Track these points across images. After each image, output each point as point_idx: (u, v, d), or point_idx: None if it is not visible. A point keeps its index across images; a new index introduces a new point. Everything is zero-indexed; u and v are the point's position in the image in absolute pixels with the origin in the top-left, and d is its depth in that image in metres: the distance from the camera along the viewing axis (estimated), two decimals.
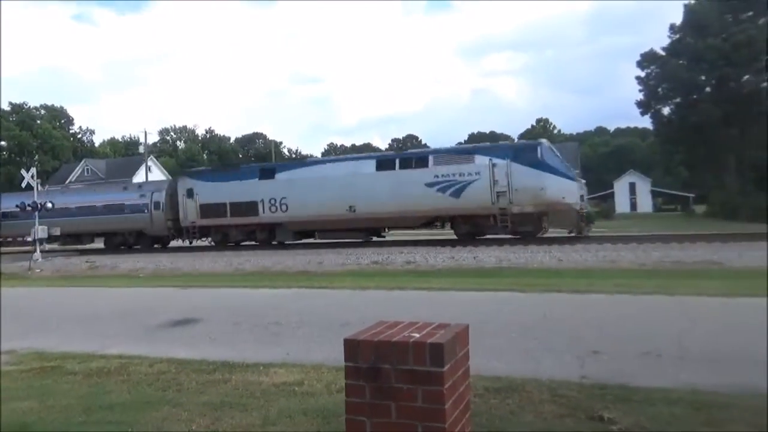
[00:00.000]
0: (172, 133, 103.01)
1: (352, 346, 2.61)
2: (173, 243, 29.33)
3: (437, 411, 2.44)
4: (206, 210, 26.10)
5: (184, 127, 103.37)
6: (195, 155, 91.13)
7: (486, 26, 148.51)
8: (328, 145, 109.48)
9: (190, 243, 27.57)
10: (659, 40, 65.54)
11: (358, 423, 2.55)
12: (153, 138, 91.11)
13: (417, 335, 2.63)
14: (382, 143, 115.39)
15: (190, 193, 26.53)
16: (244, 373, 5.86)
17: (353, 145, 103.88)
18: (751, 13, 50.37)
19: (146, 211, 27.97)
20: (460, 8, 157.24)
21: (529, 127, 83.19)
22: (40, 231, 25.53)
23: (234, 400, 5.00)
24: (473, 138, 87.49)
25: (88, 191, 33.45)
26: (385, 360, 2.53)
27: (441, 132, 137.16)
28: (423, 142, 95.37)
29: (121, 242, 29.47)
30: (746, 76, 48.81)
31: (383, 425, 2.50)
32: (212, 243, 26.98)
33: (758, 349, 6.06)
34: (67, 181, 62.06)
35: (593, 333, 7.05)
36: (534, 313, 8.55)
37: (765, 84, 43.88)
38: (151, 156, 68.43)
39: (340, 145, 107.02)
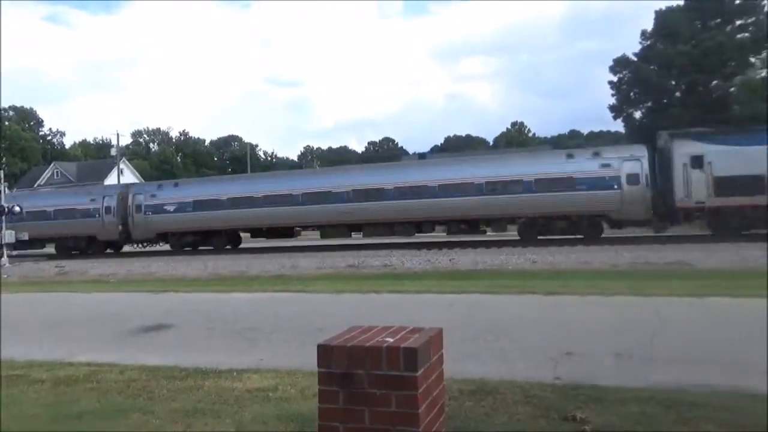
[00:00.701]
0: (145, 136, 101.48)
1: (325, 352, 2.59)
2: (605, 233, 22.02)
3: (411, 415, 2.43)
4: (726, 185, 19.18)
5: (158, 130, 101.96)
6: (169, 158, 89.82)
7: (460, 30, 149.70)
8: (304, 147, 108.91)
9: (657, 230, 21.33)
10: (631, 46, 67.18)
11: (332, 428, 2.52)
12: (126, 140, 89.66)
13: (391, 340, 2.61)
14: (358, 146, 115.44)
15: (697, 162, 19.76)
16: (217, 380, 5.78)
17: (330, 148, 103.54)
18: (719, 20, 51.72)
19: (616, 186, 20.72)
20: (436, 12, 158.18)
21: (504, 130, 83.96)
22: (7, 236, 24.88)
23: (206, 406, 4.92)
24: (450, 141, 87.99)
25: (490, 160, 24.98)
26: (359, 365, 2.51)
27: (417, 135, 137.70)
28: (400, 145, 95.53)
29: (565, 229, 22.11)
30: (715, 82, 50.03)
31: (357, 431, 2.48)
32: (713, 232, 20.38)
33: (726, 349, 6.20)
34: (36, 185, 60.64)
35: (567, 334, 7.13)
36: (509, 315, 8.61)
37: (732, 89, 44.98)
38: (124, 158, 67.28)
39: (317, 148, 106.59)
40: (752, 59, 44.94)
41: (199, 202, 26.71)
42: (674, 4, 53.96)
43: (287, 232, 27.59)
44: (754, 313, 8.16)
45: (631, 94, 55.31)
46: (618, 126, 61.58)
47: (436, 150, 76.42)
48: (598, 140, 68.05)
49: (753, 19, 50.83)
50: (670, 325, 7.58)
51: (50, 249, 30.74)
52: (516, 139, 75.16)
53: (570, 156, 22.48)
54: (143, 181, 58.89)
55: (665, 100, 53.47)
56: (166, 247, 28.47)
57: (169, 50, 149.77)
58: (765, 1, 50.31)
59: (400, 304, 10.19)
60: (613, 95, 56.66)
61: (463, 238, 23.99)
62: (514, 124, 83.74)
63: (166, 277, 18.38)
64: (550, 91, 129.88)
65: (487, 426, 4.24)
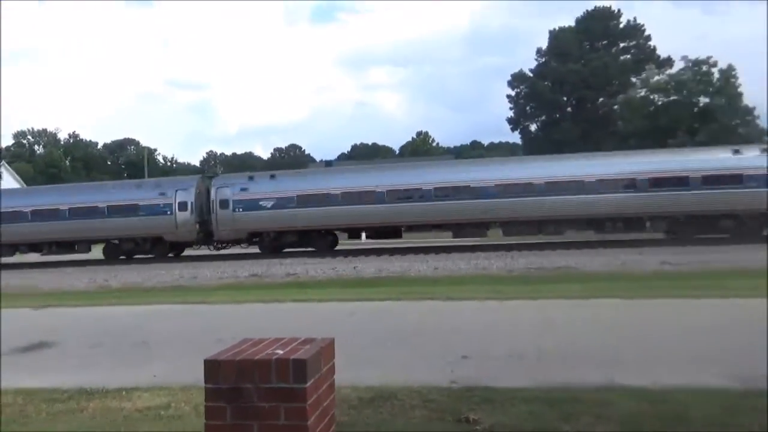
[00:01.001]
0: (29, 137, 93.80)
1: (212, 367, 2.53)
2: None
3: (300, 427, 2.42)
4: None
5: (44, 131, 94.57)
6: (56, 161, 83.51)
7: (367, 39, 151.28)
8: (207, 153, 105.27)
9: None
10: (528, 62, 71.13)
11: None
12: (6, 141, 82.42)
13: (281, 352, 2.60)
14: (263, 152, 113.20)
15: None
16: (104, 400, 5.44)
17: (234, 154, 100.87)
18: (605, 42, 56.14)
19: None
20: (344, 19, 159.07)
21: (410, 139, 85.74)
22: None
23: (91, 429, 4.62)
24: (356, 149, 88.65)
25: None
26: (247, 379, 2.47)
27: (324, 142, 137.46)
28: (306, 152, 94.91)
29: (726, 228, 20.96)
30: (601, 99, 54.11)
31: None
32: None
33: (607, 346, 6.70)
34: None
35: (464, 338, 7.38)
36: (410, 321, 8.78)
37: (616, 107, 48.77)
38: (3, 162, 61.78)
39: (220, 154, 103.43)
40: (633, 79, 48.98)
41: (304, 197, 23.35)
42: (566, 25, 58.00)
43: (394, 232, 24.83)
44: (634, 313, 8.89)
45: (527, 108, 58.66)
46: (516, 138, 64.95)
47: (343, 158, 76.67)
48: (497, 151, 71.32)
49: (635, 42, 55.69)
50: (558, 325, 8.08)
51: (97, 252, 26.25)
52: (421, 148, 77.03)
53: (737, 151, 21.70)
54: (26, 186, 54.37)
55: (557, 115, 57.19)
56: (250, 249, 25.06)
57: (60, 46, 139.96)
58: (645, 27, 55.39)
59: (302, 313, 10.10)
60: (511, 108, 59.91)
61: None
62: (419, 133, 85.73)
63: (50, 290, 17.04)
64: (454, 102, 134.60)
65: (383, 431, 4.31)
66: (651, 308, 9.10)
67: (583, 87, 53.83)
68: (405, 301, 10.54)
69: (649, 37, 55.23)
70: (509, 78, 59.48)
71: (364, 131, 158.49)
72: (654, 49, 54.18)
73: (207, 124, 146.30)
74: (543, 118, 58.65)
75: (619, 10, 56.43)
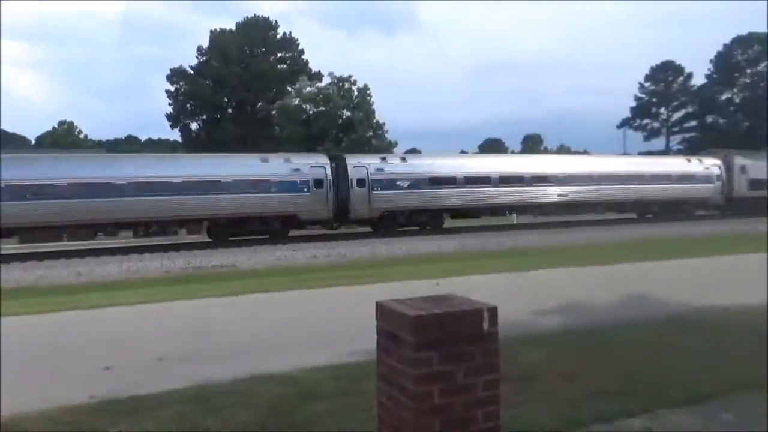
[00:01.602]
0: None
1: None
2: None
3: None
4: None
5: None
6: None
7: None
8: None
9: None
10: (188, 59, 69.00)
11: None
12: None
13: None
14: None
15: None
16: None
17: None
18: (264, 50, 58.88)
19: None
20: None
21: (50, 129, 74.51)
22: None
23: None
24: None
25: None
26: None
27: None
28: None
29: None
30: (260, 103, 56.65)
31: None
32: None
33: (255, 339, 7.11)
34: None
35: (109, 348, 6.85)
36: (43, 336, 7.72)
37: (273, 112, 51.69)
38: None
39: None
40: (289, 88, 52.67)
41: (436, 179, 25.95)
42: (227, 27, 58.74)
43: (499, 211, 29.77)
44: (282, 304, 9.61)
45: (188, 105, 57.50)
46: (176, 135, 62.87)
47: None
48: (156, 147, 67.85)
49: (290, 54, 59.91)
50: (213, 323, 8.19)
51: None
52: (64, 140, 67.81)
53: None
54: None
55: (218, 115, 57.63)
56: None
57: None
58: (299, 41, 60.09)
59: None
60: (170, 104, 57.77)
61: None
62: (61, 123, 75.21)
63: None
64: (104, 92, 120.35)
65: None
66: (297, 299, 10.01)
67: (243, 90, 55.54)
68: (40, 315, 9.14)
69: (302, 51, 60.18)
70: (168, 72, 57.37)
71: None
72: (307, 62, 59.30)
73: None
74: (204, 117, 58.34)
75: (276, 22, 59.99)
